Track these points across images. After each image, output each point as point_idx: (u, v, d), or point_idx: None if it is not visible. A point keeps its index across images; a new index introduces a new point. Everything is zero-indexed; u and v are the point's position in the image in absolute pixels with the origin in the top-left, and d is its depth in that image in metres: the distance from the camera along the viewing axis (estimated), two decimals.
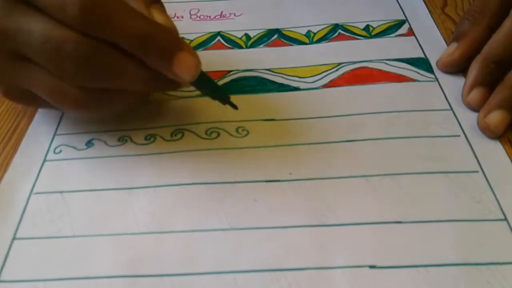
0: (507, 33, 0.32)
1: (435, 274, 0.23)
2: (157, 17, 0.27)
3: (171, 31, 0.27)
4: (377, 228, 0.25)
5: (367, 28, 0.40)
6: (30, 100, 0.30)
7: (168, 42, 0.26)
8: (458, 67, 0.35)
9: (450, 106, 0.32)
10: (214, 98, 0.30)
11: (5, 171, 0.29)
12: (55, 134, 0.32)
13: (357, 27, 0.40)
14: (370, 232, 0.25)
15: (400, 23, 0.40)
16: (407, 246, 0.24)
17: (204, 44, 0.39)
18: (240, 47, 0.39)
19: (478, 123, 0.30)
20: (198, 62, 0.27)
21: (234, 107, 0.30)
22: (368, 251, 0.24)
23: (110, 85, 0.27)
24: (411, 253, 0.24)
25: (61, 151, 0.31)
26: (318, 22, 0.41)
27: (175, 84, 0.29)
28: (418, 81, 0.34)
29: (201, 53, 0.28)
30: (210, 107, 0.32)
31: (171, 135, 0.31)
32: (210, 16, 0.43)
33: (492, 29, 0.34)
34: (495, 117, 0.30)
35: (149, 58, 0.26)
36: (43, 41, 0.25)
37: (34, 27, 0.25)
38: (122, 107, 0.30)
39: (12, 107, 0.34)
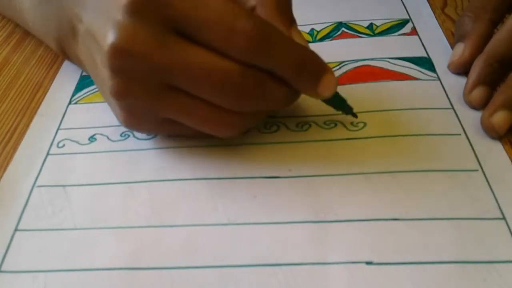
0: (510, 31, 0.32)
1: (432, 272, 0.23)
2: (296, 37, 0.28)
3: (317, 55, 0.27)
4: (374, 225, 0.25)
5: (370, 26, 0.40)
6: (165, 130, 0.29)
7: (317, 66, 0.27)
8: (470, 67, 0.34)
9: (452, 105, 0.32)
10: (338, 109, 0.31)
11: (5, 170, 0.30)
12: (58, 128, 0.32)
13: (361, 25, 0.40)
14: (367, 228, 0.25)
15: (403, 22, 0.40)
16: (404, 243, 0.25)
17: None
18: None
19: (482, 122, 0.30)
20: (336, 81, 0.28)
21: (355, 116, 0.31)
22: (365, 248, 0.24)
23: (263, 109, 0.28)
24: (408, 250, 0.24)
25: (64, 145, 0.31)
26: (322, 20, 0.41)
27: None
28: (420, 79, 0.34)
29: None
30: None
31: None
32: None
33: (494, 23, 0.33)
34: (499, 117, 0.29)
35: (300, 82, 0.27)
36: (206, 74, 0.25)
37: (194, 60, 0.25)
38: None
39: (12, 107, 0.34)
